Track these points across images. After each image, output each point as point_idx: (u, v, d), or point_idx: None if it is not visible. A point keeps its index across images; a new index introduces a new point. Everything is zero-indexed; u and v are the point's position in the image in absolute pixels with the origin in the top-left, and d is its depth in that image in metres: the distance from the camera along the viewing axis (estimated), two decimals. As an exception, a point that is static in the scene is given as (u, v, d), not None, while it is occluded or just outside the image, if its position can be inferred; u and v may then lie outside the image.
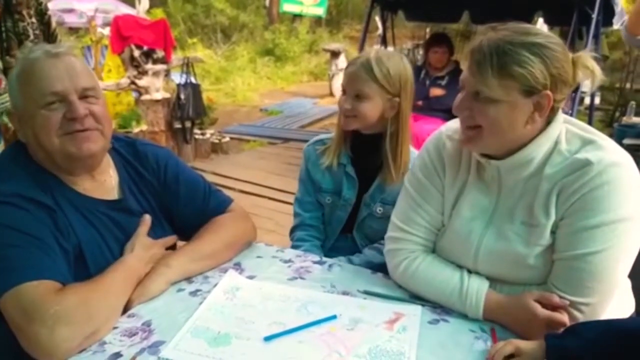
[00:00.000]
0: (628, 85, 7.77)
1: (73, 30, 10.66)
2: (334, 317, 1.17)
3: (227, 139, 6.08)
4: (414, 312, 1.21)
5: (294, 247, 1.67)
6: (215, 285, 1.29)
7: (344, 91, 1.60)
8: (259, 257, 1.48)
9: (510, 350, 1.00)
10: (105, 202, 1.30)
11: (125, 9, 9.08)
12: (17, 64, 1.21)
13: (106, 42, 6.21)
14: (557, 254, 1.14)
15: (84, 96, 1.21)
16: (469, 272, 1.24)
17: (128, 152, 1.41)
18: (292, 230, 1.78)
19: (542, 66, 1.07)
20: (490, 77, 1.08)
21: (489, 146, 1.17)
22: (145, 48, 5.20)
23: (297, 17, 14.66)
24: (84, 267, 1.18)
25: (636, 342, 0.94)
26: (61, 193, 1.22)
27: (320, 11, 14.05)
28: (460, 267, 1.26)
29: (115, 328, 1.11)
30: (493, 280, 1.22)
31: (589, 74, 1.14)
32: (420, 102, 4.45)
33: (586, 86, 4.80)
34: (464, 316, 1.20)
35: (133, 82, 5.17)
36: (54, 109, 1.18)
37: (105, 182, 1.33)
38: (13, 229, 1.08)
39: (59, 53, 1.21)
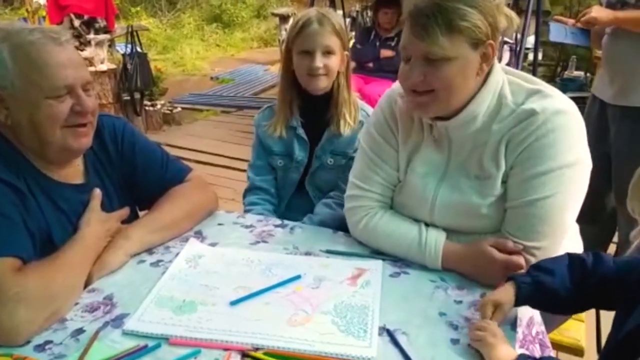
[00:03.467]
0: (569, 40, 7.98)
1: (7, 2, 10.01)
2: (299, 277, 1.19)
3: (179, 109, 5.91)
4: (376, 267, 1.24)
5: (246, 211, 1.68)
6: (177, 254, 1.28)
7: (307, 52, 1.55)
8: (220, 224, 1.48)
9: (491, 309, 1.02)
10: (75, 187, 1.28)
11: (61, -23, 8.54)
12: (8, 43, 1.11)
13: (44, 12, 5.86)
14: (509, 202, 1.18)
15: (85, 89, 1.19)
16: (426, 225, 1.28)
17: None
18: (244, 195, 1.79)
19: (481, 16, 1.09)
20: (440, 37, 1.07)
21: (442, 109, 1.18)
22: (85, 17, 4.93)
23: (243, -19, 14.23)
24: (53, 252, 1.14)
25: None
26: (34, 179, 1.19)
27: (267, -26, 13.62)
28: (417, 220, 1.30)
29: (75, 304, 1.09)
30: (449, 231, 1.26)
31: (509, 20, 1.16)
32: (371, 64, 4.47)
33: (529, 43, 4.94)
34: (423, 267, 1.24)
35: (75, 54, 4.91)
36: (62, 101, 1.15)
37: (77, 166, 1.31)
38: None
39: (63, 41, 1.15)
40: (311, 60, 1.54)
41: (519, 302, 1.03)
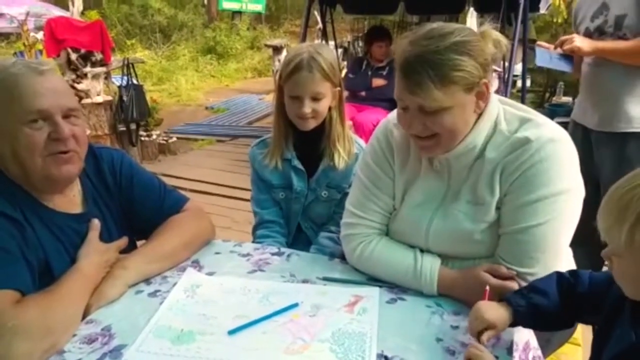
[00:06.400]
0: (556, 67, 8.12)
1: (3, 36, 10.14)
2: (296, 305, 1.19)
3: (174, 139, 5.96)
4: (372, 294, 1.25)
5: None
6: (175, 284, 1.29)
7: (296, 97, 1.55)
8: (217, 253, 1.48)
9: (481, 325, 1.02)
10: (73, 216, 1.29)
11: (58, 12, 8.69)
12: None
13: (40, 46, 5.95)
14: (502, 229, 1.20)
15: (66, 116, 1.20)
16: (422, 251, 1.29)
17: (86, 158, 1.38)
18: (254, 230, 1.79)
19: (472, 61, 1.10)
20: (435, 91, 1.09)
21: (447, 148, 1.20)
22: (82, 51, 5.01)
23: (236, 14, 14.50)
24: (52, 282, 1.15)
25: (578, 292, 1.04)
26: (30, 208, 1.20)
27: (260, 7, 13.95)
28: (412, 247, 1.31)
29: (74, 336, 1.09)
30: (444, 257, 1.27)
31: (497, 44, 1.16)
32: (363, 93, 4.55)
33: (517, 70, 5.04)
34: (419, 294, 1.25)
35: (72, 87, 4.97)
36: (38, 128, 1.15)
37: (73, 197, 1.32)
38: None
39: (44, 71, 1.17)
40: (300, 105, 1.55)
41: (513, 324, 1.05)
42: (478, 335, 1.02)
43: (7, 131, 1.15)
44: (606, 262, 0.90)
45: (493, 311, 1.04)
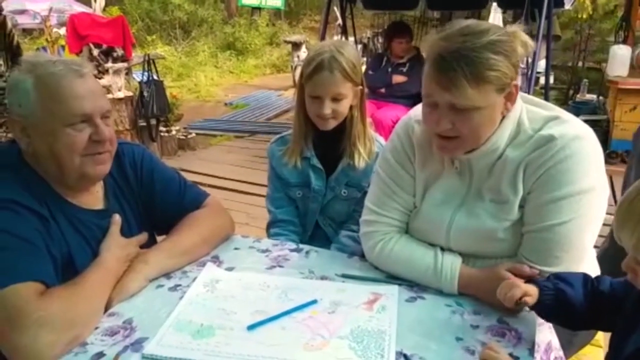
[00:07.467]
0: (580, 64, 7.97)
1: (27, 32, 10.32)
2: (315, 301, 1.20)
3: (194, 134, 6.01)
4: (392, 292, 1.24)
5: None
6: (194, 279, 1.30)
7: (317, 97, 1.54)
8: (236, 248, 1.49)
9: (519, 292, 1.04)
10: (95, 212, 1.31)
11: (80, 8, 8.81)
12: (33, 74, 1.17)
13: (63, 42, 6.04)
14: (526, 227, 1.19)
15: (104, 117, 1.23)
16: (442, 249, 1.28)
17: None
18: (267, 228, 1.79)
19: (507, 61, 1.09)
20: (469, 89, 1.07)
21: (468, 149, 1.19)
22: (104, 46, 5.07)
23: (255, 10, 14.52)
24: (75, 275, 1.17)
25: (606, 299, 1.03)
26: (55, 204, 1.22)
27: (279, 3, 13.92)
28: (433, 245, 1.30)
29: (96, 328, 1.10)
30: (465, 256, 1.26)
31: (524, 46, 1.15)
32: (383, 90, 4.52)
33: (541, 67, 4.96)
34: (439, 292, 1.24)
35: (94, 82, 5.04)
36: (80, 130, 1.18)
37: (96, 193, 1.34)
38: (2, 231, 1.08)
39: (84, 73, 1.20)
40: (320, 105, 1.54)
41: (538, 306, 1.05)
42: (516, 304, 1.04)
43: (46, 130, 1.17)
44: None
45: (524, 284, 1.07)
